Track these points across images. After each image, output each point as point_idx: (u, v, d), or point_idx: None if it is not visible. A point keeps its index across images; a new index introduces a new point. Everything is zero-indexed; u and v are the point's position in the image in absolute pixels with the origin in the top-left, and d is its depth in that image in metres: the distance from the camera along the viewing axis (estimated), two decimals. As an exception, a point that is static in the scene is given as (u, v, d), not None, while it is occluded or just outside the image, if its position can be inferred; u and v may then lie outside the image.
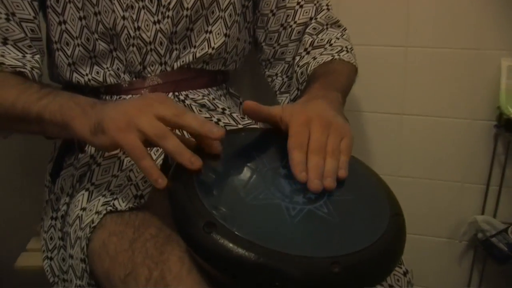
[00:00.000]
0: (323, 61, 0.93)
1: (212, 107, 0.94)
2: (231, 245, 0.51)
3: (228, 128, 0.88)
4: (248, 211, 0.57)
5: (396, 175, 1.33)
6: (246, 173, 0.64)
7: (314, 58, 0.95)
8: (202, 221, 0.54)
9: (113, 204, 0.74)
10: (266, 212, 0.57)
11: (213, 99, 0.96)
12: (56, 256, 0.90)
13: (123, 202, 0.74)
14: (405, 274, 0.75)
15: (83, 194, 0.81)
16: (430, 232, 1.36)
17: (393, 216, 0.61)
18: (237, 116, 0.93)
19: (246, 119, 0.93)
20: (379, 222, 0.59)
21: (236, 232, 0.53)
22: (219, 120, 0.91)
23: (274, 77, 1.07)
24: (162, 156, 0.79)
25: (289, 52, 1.03)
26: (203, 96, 0.95)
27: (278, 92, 1.07)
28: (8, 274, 1.02)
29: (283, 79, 1.06)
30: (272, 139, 0.73)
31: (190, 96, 0.94)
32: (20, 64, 0.81)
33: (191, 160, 0.61)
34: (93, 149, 0.87)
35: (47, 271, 0.92)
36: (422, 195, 1.32)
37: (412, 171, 1.32)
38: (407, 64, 1.22)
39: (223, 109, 0.94)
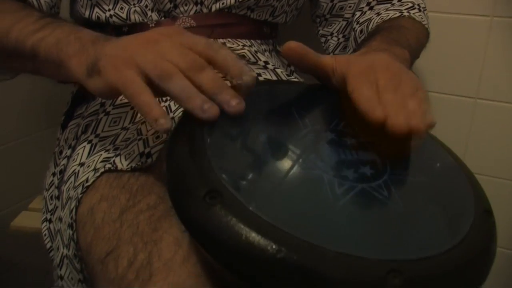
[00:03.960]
0: (388, 17, 0.81)
1: (253, 59, 0.81)
2: (241, 226, 0.35)
3: None
4: (273, 182, 0.41)
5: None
6: (278, 132, 0.48)
7: (378, 14, 0.83)
8: (205, 188, 0.38)
9: (114, 161, 0.62)
10: (299, 186, 0.41)
11: (256, 52, 0.84)
12: (54, 219, 0.79)
13: (126, 160, 0.62)
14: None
15: (85, 146, 0.70)
16: (504, 243, 1.19)
17: (481, 213, 0.44)
18: (281, 72, 0.81)
19: (293, 77, 0.81)
20: (461, 219, 0.42)
21: (251, 208, 0.37)
22: (259, 75, 0.78)
23: (329, 37, 0.96)
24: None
25: (349, 7, 0.91)
26: (244, 46, 0.83)
27: (331, 54, 0.95)
28: (3, 234, 0.93)
29: (338, 39, 0.94)
30: (320, 95, 0.57)
31: (228, 45, 0.82)
32: None
33: (203, 107, 0.47)
34: None
35: (45, 234, 0.80)
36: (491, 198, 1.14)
37: (478, 167, 1.12)
38: (490, 37, 1.05)
39: (266, 62, 0.81)
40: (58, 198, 0.77)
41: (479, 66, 1.08)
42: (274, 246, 0.34)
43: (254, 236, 0.35)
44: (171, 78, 0.48)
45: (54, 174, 0.81)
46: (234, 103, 0.47)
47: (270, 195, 0.39)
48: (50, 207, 0.80)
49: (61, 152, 0.81)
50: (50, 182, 0.81)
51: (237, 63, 0.51)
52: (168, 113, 0.52)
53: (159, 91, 0.50)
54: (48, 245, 0.79)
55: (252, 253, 0.35)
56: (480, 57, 1.07)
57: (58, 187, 0.77)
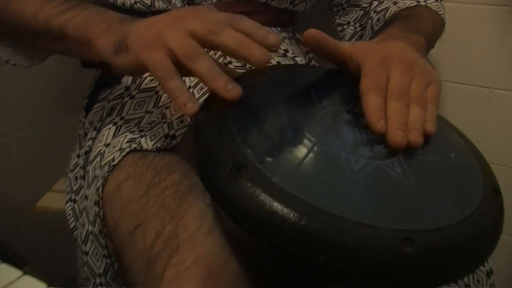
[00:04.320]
0: (405, 6, 0.81)
1: None
2: (264, 195, 0.38)
3: None
4: (294, 156, 0.43)
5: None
6: (298, 111, 0.50)
7: (395, 3, 0.83)
8: (231, 162, 0.40)
9: (139, 141, 0.64)
10: (318, 161, 0.43)
11: None
12: (79, 199, 0.81)
13: (151, 141, 0.64)
14: (488, 274, 0.59)
15: (110, 128, 0.72)
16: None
17: (489, 191, 0.45)
18: (300, 60, 0.81)
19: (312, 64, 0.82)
20: (470, 196, 0.44)
21: (274, 180, 0.39)
22: (278, 63, 0.79)
23: (345, 26, 0.96)
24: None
25: None
26: None
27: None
28: (29, 214, 0.95)
29: (355, 28, 0.94)
30: (338, 79, 0.58)
31: None
32: None
33: (227, 87, 0.49)
34: (129, 80, 0.78)
35: (69, 214, 0.83)
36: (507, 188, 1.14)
37: (493, 157, 1.13)
38: (509, 27, 1.04)
39: (285, 50, 0.82)
40: (83, 178, 0.79)
41: (496, 56, 1.07)
42: (295, 215, 0.36)
43: (277, 206, 0.37)
44: (197, 59, 0.50)
45: (78, 156, 0.83)
46: (259, 54, 0.49)
47: (291, 169, 0.41)
48: (75, 187, 0.82)
49: (86, 134, 0.82)
50: (75, 164, 0.83)
51: (261, 27, 0.52)
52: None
53: (185, 70, 0.52)
54: (72, 225, 0.81)
55: (275, 221, 0.37)
56: (496, 47, 1.06)
57: (83, 167, 0.78)
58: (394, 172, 0.43)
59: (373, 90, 0.51)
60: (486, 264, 0.59)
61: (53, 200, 0.95)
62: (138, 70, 0.56)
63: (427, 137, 0.49)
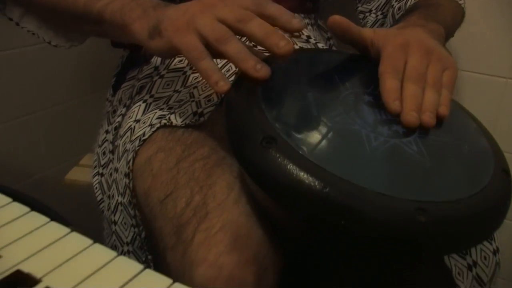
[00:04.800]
0: None
1: (296, 33, 0.84)
2: (292, 165, 0.41)
3: None
4: (319, 131, 0.47)
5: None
6: (322, 92, 0.53)
7: None
8: (262, 134, 0.44)
9: (169, 118, 0.68)
10: (341, 137, 0.47)
11: None
12: (107, 172, 0.85)
13: (180, 117, 0.67)
14: (494, 252, 0.62)
15: (140, 105, 0.75)
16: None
17: (499, 172, 0.48)
18: (322, 46, 0.84)
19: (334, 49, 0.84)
20: (480, 175, 0.47)
21: (300, 152, 0.42)
22: (301, 48, 0.80)
23: (367, 14, 0.97)
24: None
25: None
26: None
27: None
28: (58, 187, 0.98)
29: (377, 16, 0.96)
30: (359, 64, 0.62)
31: None
32: None
33: (256, 67, 0.52)
34: (158, 60, 0.81)
35: (96, 188, 0.86)
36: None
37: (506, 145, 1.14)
38: None
39: (308, 37, 0.84)
40: (112, 152, 0.82)
41: None
42: (320, 183, 0.40)
43: (303, 175, 0.41)
44: (227, 42, 0.53)
45: (107, 132, 0.86)
46: (283, 44, 0.52)
47: (316, 142, 0.45)
48: (102, 162, 0.85)
49: (114, 111, 0.86)
50: (103, 139, 0.87)
51: (286, 12, 0.56)
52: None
53: (215, 53, 0.55)
54: (99, 197, 0.84)
55: (301, 189, 0.41)
56: None
57: (113, 142, 0.82)
58: (410, 150, 0.46)
59: (391, 73, 0.54)
60: (493, 242, 0.62)
61: (80, 174, 0.98)
62: (171, 53, 0.59)
63: (440, 120, 0.52)
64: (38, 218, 0.41)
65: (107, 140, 0.86)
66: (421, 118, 0.50)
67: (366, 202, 0.40)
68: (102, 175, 0.85)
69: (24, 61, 1.13)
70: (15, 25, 0.77)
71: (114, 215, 0.72)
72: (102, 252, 0.37)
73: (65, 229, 0.41)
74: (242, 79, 0.52)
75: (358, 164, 0.43)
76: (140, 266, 0.35)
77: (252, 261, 0.49)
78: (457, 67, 0.57)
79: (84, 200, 0.94)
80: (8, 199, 0.43)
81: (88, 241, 0.39)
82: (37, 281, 0.34)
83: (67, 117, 1.27)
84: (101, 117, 0.94)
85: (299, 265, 0.54)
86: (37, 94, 1.17)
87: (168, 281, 0.34)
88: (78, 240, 0.39)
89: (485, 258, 0.61)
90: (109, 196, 0.81)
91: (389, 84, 0.53)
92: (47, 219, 0.41)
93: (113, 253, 0.37)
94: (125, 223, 0.70)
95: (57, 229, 0.41)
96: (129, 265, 0.36)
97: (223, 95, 0.65)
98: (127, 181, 0.67)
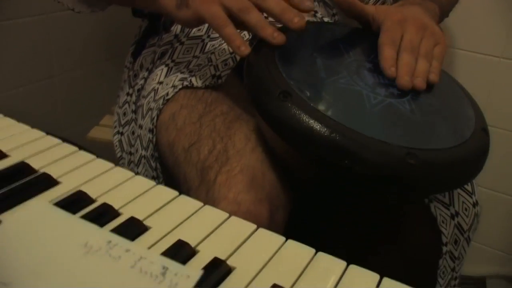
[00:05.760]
0: None
1: None
2: (305, 115, 0.49)
3: None
4: (326, 89, 0.55)
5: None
6: (329, 58, 0.61)
7: None
8: (278, 90, 0.52)
9: (190, 80, 0.74)
10: (345, 95, 0.55)
11: None
12: (127, 131, 0.92)
13: (200, 79, 0.74)
14: (474, 205, 0.71)
15: (162, 69, 0.81)
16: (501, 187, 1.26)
17: (479, 130, 0.57)
18: (328, 21, 0.89)
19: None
20: (463, 131, 0.55)
21: (312, 105, 0.51)
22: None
23: None
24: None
25: None
26: None
27: None
28: (80, 144, 1.05)
29: None
30: (361, 36, 0.70)
31: None
32: None
33: (273, 35, 0.60)
34: (178, 28, 0.87)
35: (116, 145, 0.93)
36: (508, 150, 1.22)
37: (496, 121, 1.20)
38: None
39: (315, 12, 0.90)
40: (135, 112, 0.89)
41: (507, 27, 1.13)
42: (328, 130, 0.48)
43: (314, 123, 0.49)
44: (249, 12, 0.60)
45: (128, 94, 0.92)
46: (297, 20, 0.59)
47: (325, 98, 0.53)
48: (123, 121, 0.92)
49: (135, 76, 0.92)
50: (124, 101, 0.93)
51: (284, 14, 0.61)
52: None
53: (237, 22, 0.62)
54: (119, 154, 0.92)
55: (312, 135, 0.49)
56: (509, 18, 1.12)
57: (135, 103, 0.88)
58: (403, 108, 0.55)
59: (389, 44, 0.62)
60: (473, 196, 0.71)
61: (100, 133, 1.06)
62: (196, 22, 0.65)
63: (431, 85, 0.60)
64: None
65: (127, 102, 0.92)
66: (413, 82, 0.58)
67: (366, 146, 0.48)
68: (122, 134, 0.92)
69: (43, 28, 1.18)
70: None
71: (138, 167, 0.79)
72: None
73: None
74: (261, 45, 0.60)
75: (360, 117, 0.52)
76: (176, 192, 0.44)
77: (265, 200, 0.57)
78: (447, 43, 0.65)
79: (104, 156, 1.02)
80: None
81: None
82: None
83: (86, 81, 1.33)
84: (115, 83, 0.99)
85: (303, 208, 0.63)
86: (57, 59, 1.23)
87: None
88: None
89: (465, 209, 0.69)
90: (130, 153, 0.89)
91: (386, 53, 0.61)
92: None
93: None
94: (146, 176, 0.77)
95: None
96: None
97: (238, 60, 0.72)
98: (151, 136, 0.74)
